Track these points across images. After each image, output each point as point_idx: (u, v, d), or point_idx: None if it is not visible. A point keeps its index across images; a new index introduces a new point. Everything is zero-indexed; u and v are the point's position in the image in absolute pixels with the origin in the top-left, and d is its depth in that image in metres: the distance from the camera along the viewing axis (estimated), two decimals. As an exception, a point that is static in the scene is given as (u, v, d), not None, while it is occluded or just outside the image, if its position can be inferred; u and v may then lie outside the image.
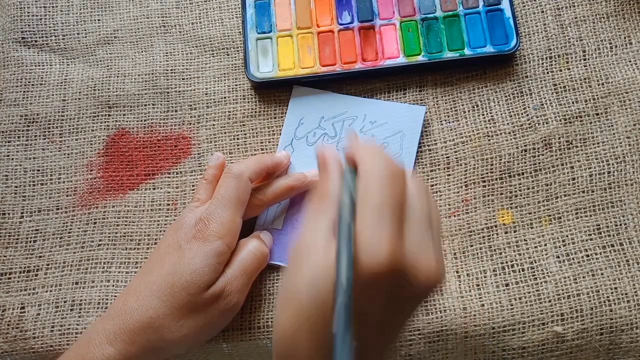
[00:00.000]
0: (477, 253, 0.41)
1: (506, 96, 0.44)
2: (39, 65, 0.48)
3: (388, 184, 0.27)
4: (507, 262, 0.40)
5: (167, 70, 0.47)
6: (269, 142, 0.45)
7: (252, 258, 0.38)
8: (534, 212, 0.41)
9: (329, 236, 0.26)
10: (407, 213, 0.27)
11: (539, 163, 0.42)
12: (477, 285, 0.40)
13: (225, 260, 0.37)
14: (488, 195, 0.42)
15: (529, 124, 0.43)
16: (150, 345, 0.35)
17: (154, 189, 0.44)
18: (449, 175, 0.43)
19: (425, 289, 0.26)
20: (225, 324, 0.38)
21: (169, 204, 0.44)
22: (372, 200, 0.26)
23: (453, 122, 0.44)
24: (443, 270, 0.27)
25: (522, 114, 0.44)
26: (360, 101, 0.45)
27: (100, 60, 0.48)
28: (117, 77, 0.47)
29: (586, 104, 0.44)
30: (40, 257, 0.43)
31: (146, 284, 0.36)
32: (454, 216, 0.42)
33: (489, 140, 0.43)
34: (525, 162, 0.42)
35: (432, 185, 0.43)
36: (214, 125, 0.46)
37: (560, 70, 0.45)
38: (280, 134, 0.45)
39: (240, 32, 0.48)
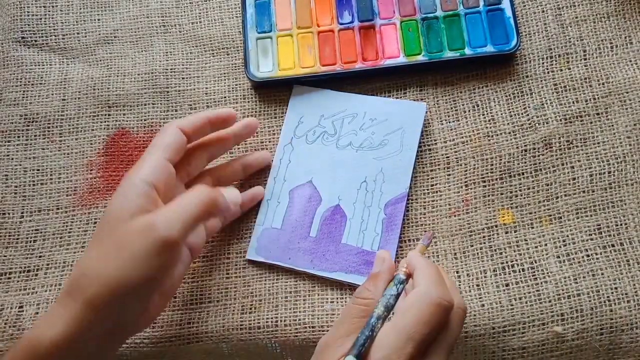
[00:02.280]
0: (478, 253, 0.41)
1: (506, 96, 0.44)
2: (39, 65, 0.48)
3: (431, 313, 0.30)
4: (507, 262, 0.40)
5: (167, 69, 0.47)
6: (269, 141, 0.45)
7: (196, 199, 0.35)
8: (535, 212, 0.41)
9: (348, 333, 0.31)
10: (435, 342, 0.31)
11: (540, 163, 0.42)
12: (477, 285, 0.40)
13: (154, 194, 0.35)
14: (488, 195, 0.42)
15: (530, 123, 0.43)
16: (91, 299, 0.32)
17: (154, 188, 0.44)
18: (449, 175, 0.43)
19: None
20: (167, 271, 0.34)
21: (169, 204, 0.44)
22: (406, 324, 0.30)
23: (453, 121, 0.44)
24: None
25: (522, 113, 0.44)
26: (360, 98, 0.44)
27: (100, 60, 0.48)
28: (117, 76, 0.47)
29: (587, 104, 0.43)
30: (40, 257, 0.43)
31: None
32: (454, 216, 0.42)
33: (489, 140, 0.43)
34: (525, 162, 0.42)
35: (432, 185, 0.43)
36: (214, 124, 0.46)
37: (561, 70, 0.45)
38: (280, 133, 0.45)
39: (240, 31, 0.48)
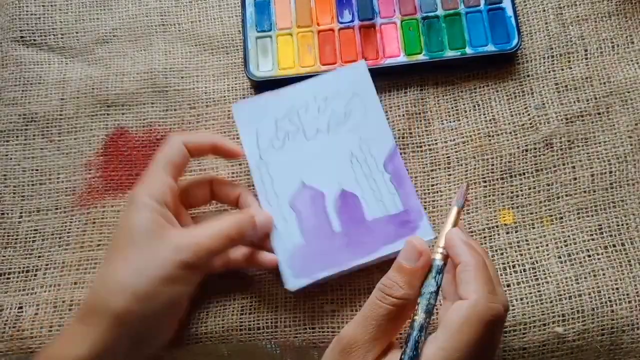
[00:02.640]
0: (478, 253, 0.40)
1: (507, 95, 0.44)
2: (38, 64, 0.48)
3: (486, 332, 0.29)
4: (508, 263, 0.40)
5: (166, 69, 0.47)
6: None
7: (226, 230, 0.35)
8: (536, 212, 0.41)
9: (375, 337, 0.29)
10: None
11: (541, 163, 0.42)
12: (478, 285, 0.39)
13: (165, 213, 0.35)
14: (489, 196, 0.42)
15: (530, 123, 0.43)
16: (120, 313, 0.32)
17: (153, 188, 0.44)
18: (450, 175, 0.43)
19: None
20: (187, 286, 0.36)
21: (168, 204, 0.44)
22: (456, 348, 0.28)
23: (454, 121, 0.44)
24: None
25: (523, 113, 0.43)
26: (302, 86, 0.43)
27: (99, 59, 0.48)
28: (116, 76, 0.47)
29: (588, 104, 0.43)
30: (39, 257, 0.43)
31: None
32: (455, 216, 0.42)
33: (490, 140, 0.43)
34: (526, 162, 0.42)
35: (432, 185, 0.42)
36: (213, 124, 0.45)
37: (562, 70, 0.44)
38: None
39: (239, 30, 0.48)
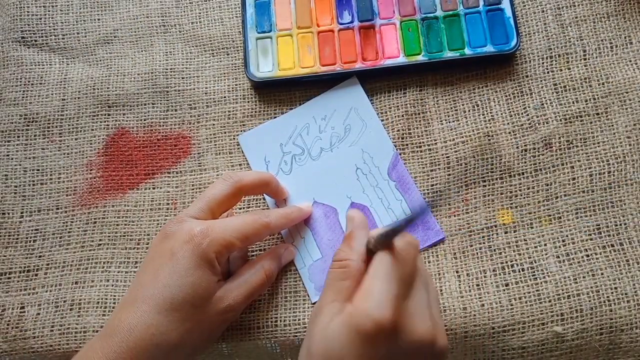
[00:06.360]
0: (477, 253, 0.41)
1: (506, 96, 0.44)
2: (39, 65, 0.48)
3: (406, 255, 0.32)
4: (507, 262, 0.40)
5: (167, 69, 0.47)
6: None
7: (259, 279, 0.38)
8: (534, 212, 0.41)
9: (341, 304, 0.31)
10: (413, 286, 0.32)
11: (539, 163, 0.42)
12: (477, 285, 0.40)
13: (220, 265, 0.36)
14: (488, 195, 0.42)
15: (529, 123, 0.43)
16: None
17: (154, 188, 0.44)
18: (449, 175, 0.43)
19: (416, 349, 0.30)
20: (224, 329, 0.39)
21: (168, 204, 0.44)
22: (386, 264, 0.31)
23: (453, 121, 0.44)
24: (441, 340, 0.31)
25: (522, 113, 0.44)
26: (300, 110, 0.45)
27: (100, 60, 0.48)
28: (117, 76, 0.47)
29: (586, 104, 0.43)
30: (40, 256, 0.43)
31: (143, 299, 0.34)
32: (454, 216, 0.42)
33: (489, 139, 0.43)
34: (525, 162, 0.42)
35: (432, 185, 0.43)
36: (213, 124, 0.46)
37: (561, 70, 0.45)
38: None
39: (240, 31, 0.48)
